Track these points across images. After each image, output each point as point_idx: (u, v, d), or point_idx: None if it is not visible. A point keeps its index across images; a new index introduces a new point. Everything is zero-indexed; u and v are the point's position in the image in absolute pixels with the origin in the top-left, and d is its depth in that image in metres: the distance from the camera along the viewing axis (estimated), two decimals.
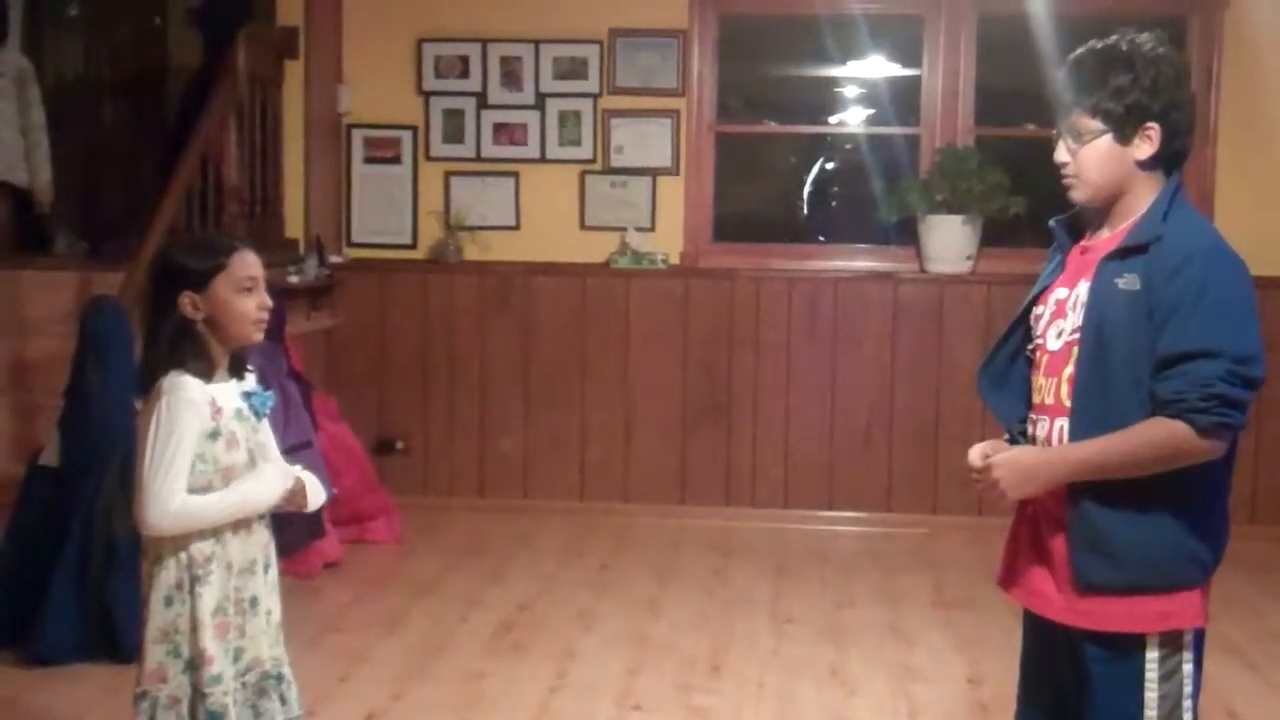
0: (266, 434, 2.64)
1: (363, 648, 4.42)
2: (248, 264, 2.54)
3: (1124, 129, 2.27)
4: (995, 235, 6.06)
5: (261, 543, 2.59)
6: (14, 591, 4.23)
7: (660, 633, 4.64)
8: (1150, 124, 2.27)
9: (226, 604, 2.51)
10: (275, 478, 2.57)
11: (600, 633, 4.64)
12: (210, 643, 2.48)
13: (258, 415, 2.60)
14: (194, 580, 2.48)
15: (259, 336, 2.57)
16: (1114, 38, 2.31)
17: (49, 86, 6.32)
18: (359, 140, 6.33)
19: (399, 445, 6.27)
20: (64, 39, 6.90)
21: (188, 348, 2.50)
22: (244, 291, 2.52)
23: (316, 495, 2.66)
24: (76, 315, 4.58)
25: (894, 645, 4.56)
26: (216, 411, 2.51)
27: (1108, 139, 2.28)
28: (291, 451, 5.23)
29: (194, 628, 2.48)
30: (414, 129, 6.30)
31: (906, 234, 6.17)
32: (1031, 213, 5.85)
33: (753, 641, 4.58)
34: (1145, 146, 2.28)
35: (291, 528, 5.24)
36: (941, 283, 6.05)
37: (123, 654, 3.78)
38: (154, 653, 2.51)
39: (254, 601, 2.56)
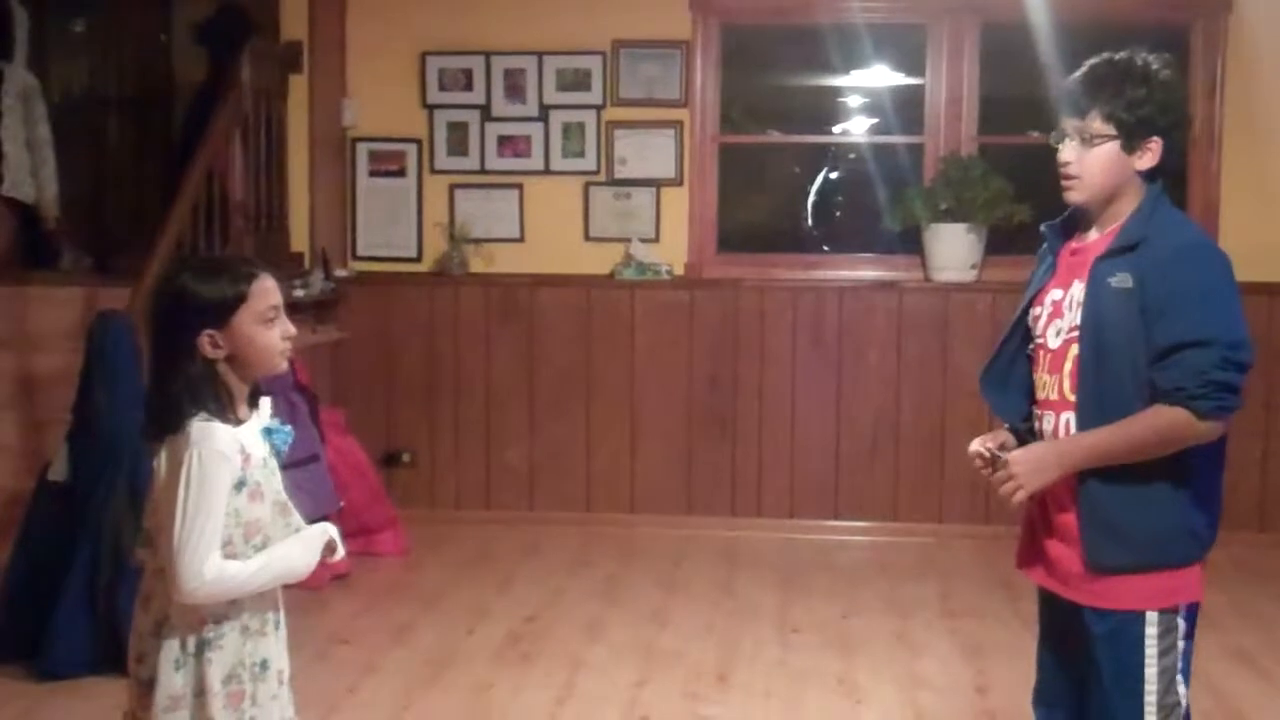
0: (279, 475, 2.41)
1: (371, 659, 4.43)
2: (269, 292, 2.32)
3: (1132, 139, 2.43)
4: (1000, 243, 6.06)
5: (275, 598, 2.38)
6: (23, 605, 4.24)
7: (667, 643, 4.65)
8: (1155, 138, 2.44)
9: (240, 670, 2.30)
10: (315, 540, 2.37)
11: (607, 643, 4.64)
12: (220, 713, 2.27)
13: (278, 453, 2.39)
14: (202, 645, 2.27)
15: (284, 366, 2.37)
16: (1127, 54, 2.46)
17: (55, 102, 6.34)
18: (363, 153, 6.35)
19: (405, 457, 6.28)
20: (70, 55, 6.93)
21: (209, 392, 2.27)
22: (268, 323, 2.30)
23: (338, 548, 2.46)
24: (83, 330, 4.59)
25: (901, 654, 4.56)
26: (245, 460, 2.29)
27: (1115, 145, 2.44)
28: (298, 465, 5.29)
29: (199, 694, 2.27)
30: (418, 142, 6.32)
31: (911, 243, 6.17)
32: (1035, 220, 5.81)
33: (759, 651, 4.58)
34: (1147, 158, 2.45)
35: None
36: (946, 291, 6.06)
37: None
38: None
39: (264, 664, 2.34)
